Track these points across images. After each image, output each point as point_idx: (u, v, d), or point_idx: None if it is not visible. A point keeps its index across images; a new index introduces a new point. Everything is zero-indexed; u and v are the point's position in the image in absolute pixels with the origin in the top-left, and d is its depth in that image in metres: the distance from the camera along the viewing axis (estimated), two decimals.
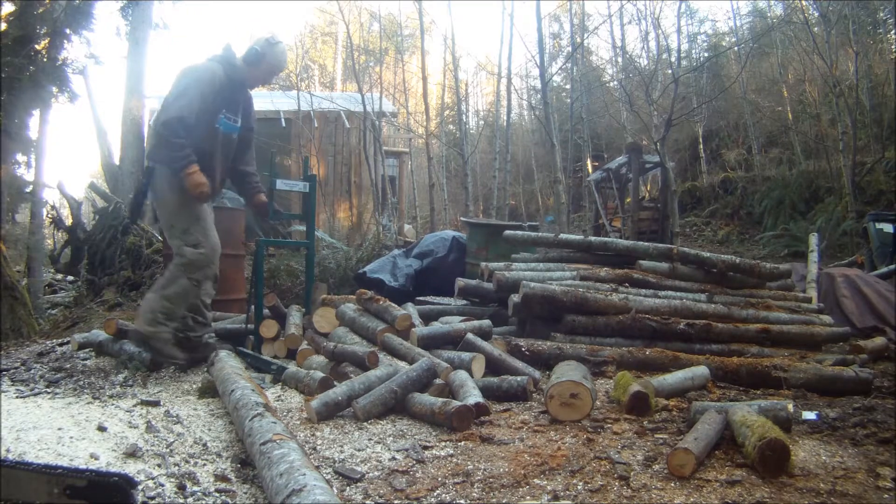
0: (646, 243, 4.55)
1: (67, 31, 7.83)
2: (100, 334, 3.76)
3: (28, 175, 8.27)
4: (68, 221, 8.87)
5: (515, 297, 3.72)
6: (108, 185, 10.26)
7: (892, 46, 15.35)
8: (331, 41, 29.86)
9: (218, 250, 3.33)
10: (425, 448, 2.12)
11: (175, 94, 3.18)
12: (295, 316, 3.98)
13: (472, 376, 2.85)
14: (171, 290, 3.21)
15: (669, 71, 10.61)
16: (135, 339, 3.28)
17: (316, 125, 13.13)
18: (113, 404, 2.56)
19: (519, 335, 3.73)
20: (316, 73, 29.14)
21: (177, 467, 1.81)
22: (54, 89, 7.75)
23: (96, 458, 1.79)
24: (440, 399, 2.47)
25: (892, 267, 6.06)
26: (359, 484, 1.81)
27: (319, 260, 6.82)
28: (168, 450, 1.96)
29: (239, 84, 3.41)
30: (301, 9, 64.90)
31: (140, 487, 1.61)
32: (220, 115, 3.28)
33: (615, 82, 18.60)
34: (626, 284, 4.07)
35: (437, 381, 2.75)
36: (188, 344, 3.40)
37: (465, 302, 4.69)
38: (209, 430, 2.27)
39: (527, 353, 3.33)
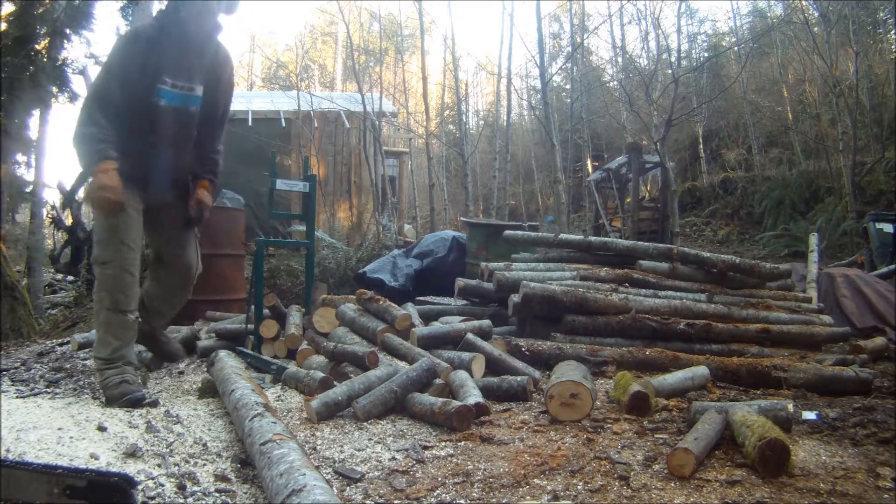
0: (646, 243, 4.55)
1: (67, 31, 7.83)
2: None
3: (28, 175, 8.28)
4: (68, 221, 8.88)
5: (515, 297, 3.72)
6: None
7: (892, 46, 15.37)
8: (331, 41, 29.88)
9: (129, 272, 2.56)
10: (425, 448, 2.12)
11: (99, 72, 2.59)
12: (295, 316, 3.98)
13: (472, 376, 2.85)
14: (97, 333, 2.64)
15: (669, 71, 10.61)
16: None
17: (316, 125, 13.12)
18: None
19: (519, 335, 3.73)
20: (316, 73, 29.15)
21: (177, 467, 1.81)
22: (54, 89, 7.76)
23: (96, 458, 1.79)
24: (440, 399, 2.47)
25: (892, 267, 6.06)
26: (359, 484, 1.81)
27: (319, 260, 6.83)
28: (168, 450, 1.96)
29: (196, 42, 2.60)
30: (301, 9, 64.92)
31: (140, 487, 1.61)
32: (158, 85, 2.52)
33: (615, 82, 18.61)
34: (626, 284, 4.07)
35: (437, 381, 2.75)
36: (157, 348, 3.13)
37: (465, 302, 4.70)
38: (209, 430, 2.27)
39: (527, 353, 3.33)
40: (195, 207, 2.78)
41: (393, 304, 3.61)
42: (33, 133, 8.29)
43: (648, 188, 15.64)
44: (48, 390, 2.84)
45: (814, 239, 6.51)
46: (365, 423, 2.38)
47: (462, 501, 1.68)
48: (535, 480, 1.80)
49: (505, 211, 16.89)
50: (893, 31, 15.90)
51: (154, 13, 2.80)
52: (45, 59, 7.51)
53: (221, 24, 2.63)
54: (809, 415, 2.45)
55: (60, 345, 4.11)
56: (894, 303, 4.82)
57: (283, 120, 13.30)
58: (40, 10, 7.52)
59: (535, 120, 19.78)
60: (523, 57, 38.25)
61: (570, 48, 19.80)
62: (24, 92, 7.14)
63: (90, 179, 2.39)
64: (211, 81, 2.69)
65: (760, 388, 3.01)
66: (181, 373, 3.42)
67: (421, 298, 5.10)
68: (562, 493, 1.72)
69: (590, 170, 18.46)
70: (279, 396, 2.85)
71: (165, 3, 2.53)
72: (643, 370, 3.21)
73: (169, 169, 2.64)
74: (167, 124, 2.59)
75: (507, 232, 4.87)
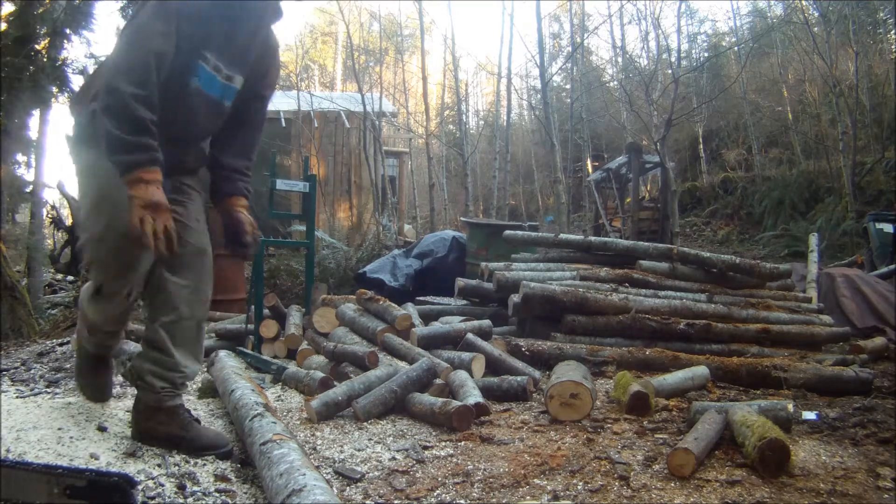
0: (646, 243, 4.55)
1: (67, 31, 7.83)
2: None
3: (28, 175, 8.28)
4: (68, 221, 8.88)
5: (515, 297, 3.72)
6: None
7: (892, 46, 15.38)
8: (331, 41, 29.85)
9: (128, 299, 1.87)
10: (425, 448, 2.12)
11: (136, 30, 1.73)
12: (295, 316, 3.98)
13: (472, 376, 2.85)
14: (79, 326, 2.19)
15: (669, 71, 10.63)
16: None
17: (316, 125, 13.13)
18: (113, 404, 2.56)
19: (519, 335, 3.73)
20: (316, 73, 29.14)
21: (177, 467, 1.81)
22: (54, 89, 7.75)
23: (96, 458, 1.79)
24: (440, 399, 2.47)
25: (892, 267, 6.07)
26: (359, 484, 1.81)
27: (319, 260, 6.83)
28: (168, 450, 1.96)
29: (252, 21, 1.92)
30: (301, 9, 64.86)
31: (140, 487, 1.61)
32: (199, 61, 1.82)
33: (615, 82, 18.62)
34: (626, 284, 4.07)
35: (437, 381, 2.75)
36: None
37: (465, 302, 4.70)
38: None
39: (527, 353, 3.33)
40: (252, 235, 2.06)
41: (393, 304, 3.61)
42: (33, 133, 8.29)
43: (648, 188, 15.65)
44: (48, 390, 2.84)
45: (814, 239, 6.52)
46: (365, 423, 2.38)
47: (462, 501, 1.68)
48: (535, 480, 1.80)
49: (505, 211, 16.88)
50: (893, 31, 15.92)
51: None
52: (45, 59, 7.50)
53: (282, 10, 2.02)
54: (809, 415, 2.45)
55: (60, 345, 4.11)
56: (894, 303, 4.82)
57: (283, 120, 13.30)
58: (40, 10, 7.52)
59: (535, 120, 19.79)
60: (523, 57, 38.23)
61: (570, 48, 19.80)
62: (24, 92, 7.14)
63: (123, 182, 1.67)
64: (257, 73, 2.03)
65: (760, 388, 3.01)
66: None
67: (421, 298, 5.10)
68: (562, 493, 1.72)
69: (590, 170, 18.47)
70: (279, 396, 2.85)
71: None
72: (643, 370, 3.22)
73: (180, 166, 1.94)
74: (194, 115, 1.89)
75: (507, 232, 4.87)
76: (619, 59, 20.35)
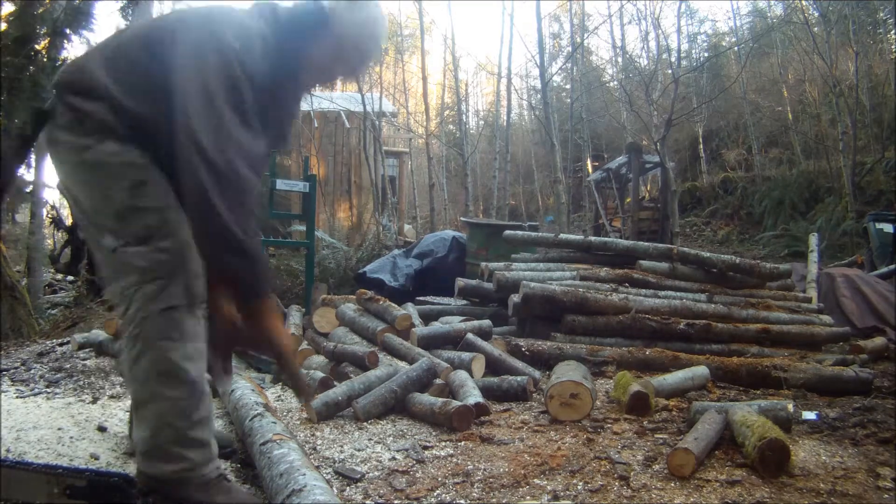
0: (646, 243, 4.56)
1: (67, 31, 7.82)
2: (100, 334, 3.76)
3: (28, 175, 8.28)
4: (68, 221, 8.90)
5: (515, 297, 3.72)
6: None
7: (892, 46, 15.39)
8: None
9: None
10: (425, 448, 2.12)
11: (230, 87, 1.39)
12: (295, 316, 3.98)
13: (472, 376, 2.85)
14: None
15: (669, 71, 10.63)
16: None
17: (316, 125, 13.12)
18: (113, 404, 2.57)
19: (519, 335, 3.73)
20: None
21: None
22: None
23: (96, 458, 1.79)
24: (440, 399, 2.47)
25: (892, 267, 6.07)
26: (359, 484, 1.81)
27: (319, 260, 6.82)
28: None
29: (290, 91, 1.68)
30: None
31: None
32: None
33: (615, 82, 18.63)
34: (626, 284, 4.07)
35: (437, 381, 2.74)
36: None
37: (465, 302, 4.69)
38: None
39: (527, 353, 3.33)
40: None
41: (393, 304, 3.61)
42: None
43: (648, 188, 15.65)
44: (48, 390, 2.84)
45: (814, 239, 6.52)
46: (365, 423, 2.38)
47: (462, 501, 1.68)
48: (535, 480, 1.80)
49: (505, 211, 16.88)
50: (893, 31, 15.93)
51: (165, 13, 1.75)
52: (45, 59, 7.50)
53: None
54: (809, 415, 2.45)
55: (60, 345, 4.11)
56: (894, 303, 4.82)
57: None
58: (40, 10, 7.52)
59: (535, 120, 19.80)
60: (523, 57, 38.26)
61: (570, 48, 19.80)
62: (23, 92, 7.14)
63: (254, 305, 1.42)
64: (280, 133, 1.74)
65: (760, 388, 3.01)
66: None
67: (421, 298, 5.10)
68: (562, 493, 1.72)
69: (590, 170, 18.47)
70: (279, 396, 2.85)
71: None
72: (643, 370, 3.21)
73: None
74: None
75: (507, 232, 4.87)
76: (619, 59, 20.36)
